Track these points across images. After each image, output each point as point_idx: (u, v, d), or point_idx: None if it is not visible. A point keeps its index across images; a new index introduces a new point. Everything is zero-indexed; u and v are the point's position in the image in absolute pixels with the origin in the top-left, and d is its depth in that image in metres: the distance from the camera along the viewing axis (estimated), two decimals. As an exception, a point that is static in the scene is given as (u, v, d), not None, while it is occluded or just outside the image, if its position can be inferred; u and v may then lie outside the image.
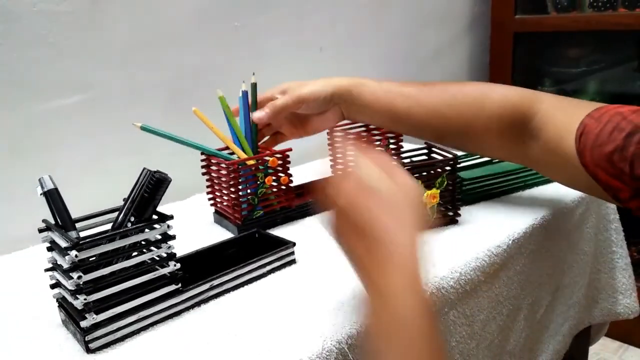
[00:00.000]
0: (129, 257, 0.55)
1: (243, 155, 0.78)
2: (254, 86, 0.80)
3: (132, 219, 0.55)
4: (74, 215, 0.57)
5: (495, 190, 0.86)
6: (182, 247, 0.69)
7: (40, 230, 0.55)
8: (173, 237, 0.56)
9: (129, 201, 0.56)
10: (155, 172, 0.55)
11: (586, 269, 0.90)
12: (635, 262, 1.00)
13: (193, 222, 0.84)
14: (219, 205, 0.82)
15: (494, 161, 1.00)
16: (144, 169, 0.57)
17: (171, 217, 0.56)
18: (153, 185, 0.54)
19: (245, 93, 0.80)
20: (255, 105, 0.79)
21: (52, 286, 0.56)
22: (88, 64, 0.86)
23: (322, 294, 0.60)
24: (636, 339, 1.44)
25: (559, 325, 0.87)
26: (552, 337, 0.85)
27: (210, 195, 0.83)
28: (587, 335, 1.02)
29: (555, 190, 0.87)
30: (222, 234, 0.79)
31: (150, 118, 0.94)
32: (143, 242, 0.55)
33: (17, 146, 0.80)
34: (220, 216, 0.82)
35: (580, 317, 0.91)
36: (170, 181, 0.55)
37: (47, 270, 0.56)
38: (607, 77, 1.53)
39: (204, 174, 0.82)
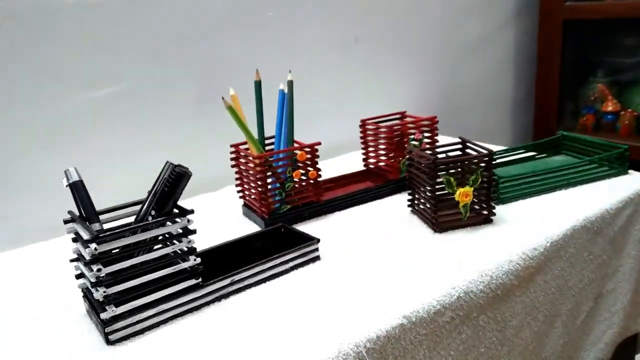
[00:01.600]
0: (150, 250, 0.55)
1: (257, 152, 0.77)
2: (291, 84, 0.78)
3: (153, 212, 0.55)
4: (103, 206, 0.58)
5: (534, 189, 0.82)
6: (209, 239, 0.69)
7: (66, 222, 0.56)
8: (193, 232, 0.56)
9: (150, 195, 0.56)
10: (176, 166, 0.55)
11: (633, 274, 0.85)
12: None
13: (222, 214, 0.84)
14: (247, 198, 0.82)
15: (534, 158, 0.96)
16: (167, 162, 0.57)
17: (191, 212, 0.55)
18: (173, 180, 0.54)
19: (282, 92, 0.79)
20: (292, 102, 0.78)
21: (77, 276, 0.57)
22: (120, 57, 0.86)
23: (344, 294, 0.58)
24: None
25: (601, 333, 0.82)
26: (593, 345, 0.81)
27: (239, 188, 0.83)
28: (634, 344, 0.96)
29: (601, 190, 0.82)
30: (249, 227, 0.78)
31: (182, 111, 0.95)
32: (163, 236, 0.55)
33: (51, 137, 0.82)
34: (249, 209, 0.81)
35: (624, 324, 0.86)
36: (190, 175, 0.54)
37: (72, 260, 0.56)
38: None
39: (233, 166, 0.82)
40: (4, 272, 0.72)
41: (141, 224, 0.53)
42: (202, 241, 0.68)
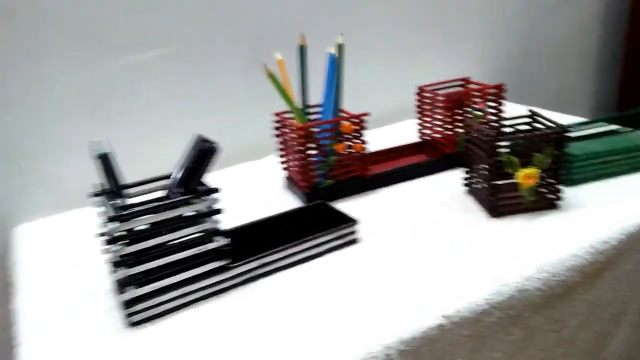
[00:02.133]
0: (174, 230, 0.52)
1: (300, 122, 0.72)
2: (342, 48, 0.72)
3: (180, 190, 0.52)
4: (144, 176, 0.56)
5: (611, 170, 0.71)
6: (247, 212, 0.66)
7: (93, 196, 0.54)
8: (219, 212, 0.52)
9: (178, 170, 0.53)
10: (203, 140, 0.51)
11: None
12: None
13: (263, 186, 0.81)
14: (289, 170, 0.78)
15: (616, 132, 0.84)
16: (196, 135, 0.53)
17: (217, 190, 0.52)
18: (198, 156, 0.50)
19: (332, 56, 0.73)
20: (342, 68, 0.72)
21: (103, 252, 0.55)
22: (165, 17, 0.83)
23: (378, 285, 0.53)
24: None
25: (678, 334, 0.72)
26: (667, 347, 0.72)
27: (283, 160, 0.79)
28: None
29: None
30: (289, 202, 0.74)
31: (229, 74, 0.91)
32: (188, 215, 0.52)
33: (94, 102, 0.81)
34: (291, 182, 0.77)
35: None
36: (217, 151, 0.51)
37: (99, 235, 0.55)
38: None
39: (277, 135, 0.77)
40: (44, 238, 0.73)
41: (164, 202, 0.51)
42: (239, 214, 0.65)
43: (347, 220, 0.60)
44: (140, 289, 0.50)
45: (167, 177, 0.56)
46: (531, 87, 1.28)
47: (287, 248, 0.57)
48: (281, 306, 0.52)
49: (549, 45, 1.30)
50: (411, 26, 1.07)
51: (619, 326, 0.63)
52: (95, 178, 0.54)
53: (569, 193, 0.67)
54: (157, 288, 0.51)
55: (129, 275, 0.49)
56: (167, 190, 0.55)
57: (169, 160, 0.68)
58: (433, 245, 0.60)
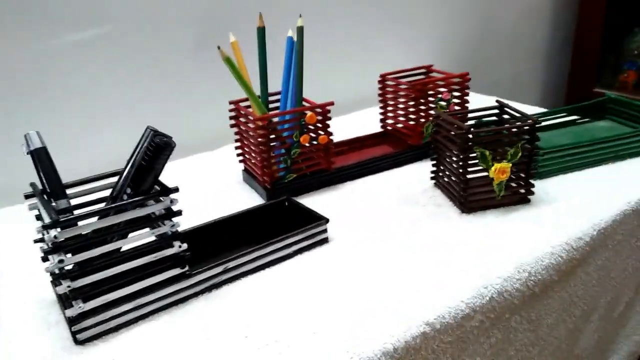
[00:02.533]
0: (126, 235, 0.46)
1: (259, 112, 0.67)
2: (301, 31, 0.67)
3: (129, 190, 0.46)
4: (81, 174, 0.49)
5: (578, 162, 0.71)
6: (203, 210, 0.61)
7: (26, 197, 0.47)
8: (178, 213, 0.47)
9: (127, 167, 0.47)
10: (156, 134, 0.45)
11: (680, 260, 0.75)
12: None
13: (220, 180, 0.75)
14: (248, 163, 0.72)
15: (575, 122, 0.84)
16: (147, 128, 0.47)
17: (175, 190, 0.46)
18: (152, 152, 0.44)
19: (290, 39, 0.68)
20: (302, 53, 0.67)
21: (43, 259, 0.48)
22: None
23: (354, 290, 0.49)
24: None
25: (637, 324, 0.73)
26: (627, 338, 0.73)
27: (240, 151, 0.73)
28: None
29: (655, 166, 0.71)
30: (249, 198, 0.69)
31: (177, 57, 0.83)
32: (142, 219, 0.46)
33: (24, 89, 0.71)
34: (250, 175, 0.72)
35: (664, 314, 0.77)
36: (173, 147, 0.45)
37: (36, 241, 0.48)
38: None
39: (232, 125, 0.72)
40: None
41: (114, 205, 0.44)
42: (196, 213, 0.59)
43: (317, 219, 0.56)
44: (88, 303, 0.44)
45: (115, 174, 0.50)
46: (486, 74, 1.28)
47: (253, 251, 0.52)
48: (248, 315, 0.47)
49: (503, 32, 1.30)
50: (371, 10, 1.03)
51: (589, 321, 0.63)
52: (31, 175, 0.47)
53: (537, 187, 0.66)
54: (107, 301, 0.45)
55: (74, 289, 0.43)
56: (115, 190, 0.48)
57: (115, 153, 0.61)
58: (408, 245, 0.56)
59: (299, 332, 0.44)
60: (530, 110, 0.89)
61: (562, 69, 1.46)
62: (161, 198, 0.46)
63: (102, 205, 0.47)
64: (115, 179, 0.50)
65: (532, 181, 0.63)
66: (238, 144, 0.72)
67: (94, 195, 0.50)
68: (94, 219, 0.44)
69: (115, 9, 0.76)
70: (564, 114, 0.85)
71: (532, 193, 0.63)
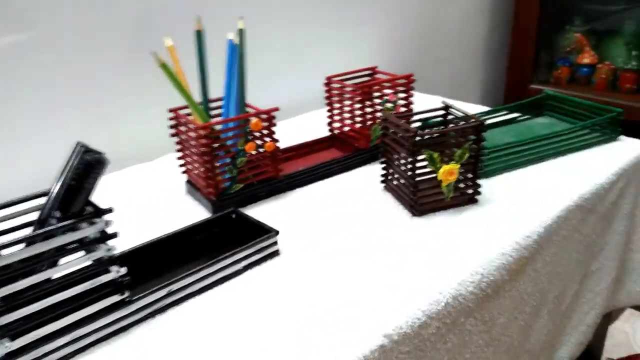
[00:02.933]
0: (55, 263, 0.42)
1: (200, 120, 0.64)
2: (242, 34, 0.64)
3: (58, 213, 0.42)
4: (9, 194, 0.44)
5: (521, 159, 0.72)
6: (144, 227, 0.57)
7: (-61, 225, 0.42)
8: (114, 236, 0.43)
9: (56, 187, 0.43)
10: (87, 150, 0.41)
11: (618, 250, 0.78)
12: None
13: (161, 193, 0.71)
14: (190, 173, 0.69)
15: (516, 120, 0.86)
16: (77, 144, 0.43)
17: (109, 211, 0.42)
18: (83, 170, 0.40)
19: (231, 42, 0.65)
20: (244, 56, 0.64)
21: (-37, 294, 0.43)
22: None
23: (308, 305, 0.47)
24: (651, 307, 1.35)
25: (583, 315, 0.76)
26: (574, 329, 0.75)
27: (182, 162, 0.69)
28: (608, 317, 0.92)
29: (594, 161, 0.73)
30: (194, 211, 0.66)
31: (109, 64, 0.78)
32: (74, 244, 0.42)
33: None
34: (193, 187, 0.68)
35: (606, 303, 0.80)
36: (106, 164, 0.41)
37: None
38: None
39: (172, 135, 0.68)
40: None
41: (42, 230, 0.40)
42: (135, 231, 0.55)
43: (266, 231, 0.54)
44: (17, 341, 0.40)
45: (42, 195, 0.46)
46: (426, 74, 1.29)
47: (199, 270, 0.49)
48: (196, 339, 0.44)
49: (441, 35, 1.32)
50: (314, 11, 1.01)
51: (539, 317, 0.64)
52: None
53: (484, 186, 0.66)
54: (40, 337, 0.41)
55: (0, 326, 0.39)
56: (42, 213, 0.44)
57: (42, 170, 0.57)
58: (361, 252, 0.55)
59: (251, 352, 0.42)
60: (472, 108, 0.91)
61: (500, 68, 1.50)
62: (94, 220, 0.42)
63: (28, 230, 0.43)
64: (42, 200, 0.45)
65: (479, 181, 0.64)
66: (180, 153, 0.69)
67: (18, 219, 0.45)
68: (20, 246, 0.40)
69: (39, 12, 0.70)
70: (505, 112, 0.86)
71: (480, 193, 0.64)
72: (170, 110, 0.67)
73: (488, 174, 0.70)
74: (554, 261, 0.63)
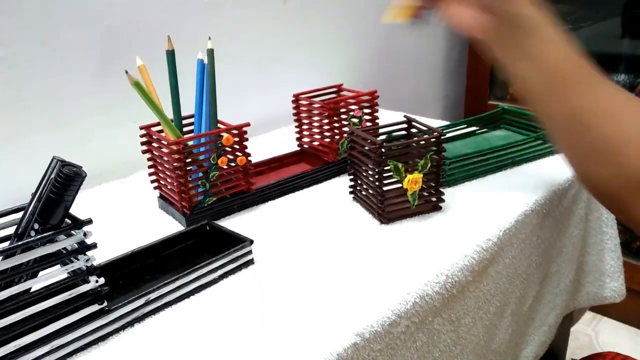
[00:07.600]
0: (35, 275, 0.43)
1: (173, 136, 0.66)
2: (211, 53, 0.67)
3: (37, 226, 0.43)
4: None
5: (480, 169, 0.76)
6: (119, 241, 0.58)
7: None
8: (93, 246, 0.44)
9: (34, 201, 0.44)
10: (65, 164, 0.43)
11: (574, 252, 0.83)
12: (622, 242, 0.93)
13: (135, 209, 0.72)
14: (163, 189, 0.70)
15: (475, 133, 0.91)
16: (53, 158, 0.44)
17: (89, 222, 0.44)
18: (61, 183, 0.42)
19: (201, 62, 0.67)
20: (214, 75, 0.67)
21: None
22: (-2, 16, 0.70)
23: (283, 309, 0.49)
24: (611, 310, 1.41)
25: (545, 315, 0.79)
26: (537, 329, 0.78)
27: (154, 177, 0.71)
28: (570, 318, 0.96)
29: (547, 169, 0.78)
30: (167, 225, 0.67)
31: (79, 84, 0.80)
32: (53, 255, 0.43)
33: None
34: (166, 202, 0.70)
35: (566, 304, 0.84)
36: (84, 176, 0.43)
37: None
38: (591, 35, 1.43)
39: (144, 152, 0.69)
40: None
41: (20, 242, 0.41)
42: (112, 245, 0.56)
43: (240, 241, 0.56)
44: (-5, 352, 0.40)
45: (19, 210, 0.47)
46: (388, 91, 1.34)
47: (176, 279, 0.50)
48: (175, 347, 0.45)
49: (403, 54, 1.38)
50: (281, 31, 1.05)
51: (503, 317, 0.67)
52: None
53: (446, 195, 0.70)
54: (19, 347, 0.41)
55: (-22, 338, 0.39)
56: (20, 227, 0.45)
57: (13, 189, 0.57)
58: (332, 259, 0.57)
59: (229, 357, 0.43)
60: (434, 123, 0.95)
61: (459, 85, 1.56)
62: (73, 232, 0.43)
63: (6, 244, 0.44)
64: (18, 215, 0.46)
65: (442, 189, 0.67)
66: (152, 169, 0.70)
67: (-3, 233, 0.46)
68: (-2, 259, 0.41)
69: (10, 32, 0.71)
70: (464, 126, 0.91)
71: (443, 201, 0.67)
72: (142, 127, 0.68)
73: (450, 183, 0.74)
74: (514, 263, 0.67)
